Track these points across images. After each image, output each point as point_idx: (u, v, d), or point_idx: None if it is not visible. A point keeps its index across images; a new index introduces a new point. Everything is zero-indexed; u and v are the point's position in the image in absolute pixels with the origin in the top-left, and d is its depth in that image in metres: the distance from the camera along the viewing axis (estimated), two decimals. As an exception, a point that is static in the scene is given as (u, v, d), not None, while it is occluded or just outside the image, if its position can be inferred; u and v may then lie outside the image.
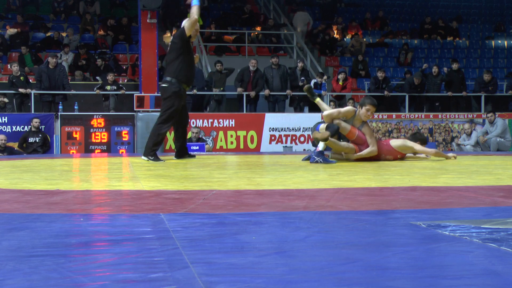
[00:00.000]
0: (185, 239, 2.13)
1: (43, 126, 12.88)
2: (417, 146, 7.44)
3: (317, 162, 6.80)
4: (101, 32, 18.00)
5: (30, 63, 16.09)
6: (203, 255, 1.86)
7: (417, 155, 7.69)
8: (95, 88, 14.09)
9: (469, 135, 13.88)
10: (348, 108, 7.38)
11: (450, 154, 7.78)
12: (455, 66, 15.55)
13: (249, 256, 1.86)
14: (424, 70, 16.13)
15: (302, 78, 14.61)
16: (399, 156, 7.46)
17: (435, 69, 15.48)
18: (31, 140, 12.52)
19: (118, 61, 17.06)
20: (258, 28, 18.85)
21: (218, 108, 14.31)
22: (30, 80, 14.15)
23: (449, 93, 15.23)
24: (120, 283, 1.55)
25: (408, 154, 7.62)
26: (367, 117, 7.24)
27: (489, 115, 13.64)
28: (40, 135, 12.58)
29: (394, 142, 7.46)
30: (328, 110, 7.37)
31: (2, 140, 12.05)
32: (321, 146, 6.97)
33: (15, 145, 12.62)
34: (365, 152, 7.18)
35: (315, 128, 7.39)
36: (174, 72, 7.54)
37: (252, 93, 14.14)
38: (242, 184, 4.34)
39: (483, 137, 13.46)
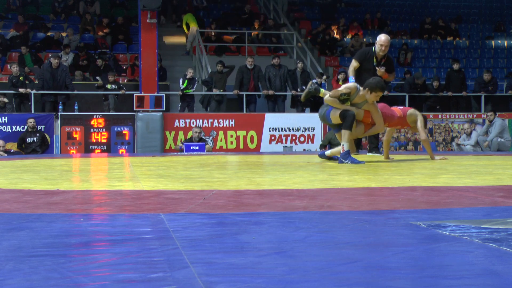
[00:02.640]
0: (185, 239, 2.13)
1: (42, 126, 12.87)
2: (420, 123, 7.47)
3: (344, 163, 6.69)
4: (100, 33, 18.00)
5: (30, 63, 16.08)
6: (203, 255, 1.86)
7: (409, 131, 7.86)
8: (96, 85, 14.10)
9: (469, 135, 13.87)
10: (349, 85, 7.16)
11: (437, 157, 7.68)
12: (456, 66, 15.54)
13: (249, 256, 1.86)
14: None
15: (303, 87, 14.67)
16: (406, 127, 7.63)
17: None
18: (29, 140, 12.51)
19: (118, 61, 17.06)
20: (256, 25, 18.83)
21: (218, 108, 14.32)
22: (33, 80, 14.12)
23: (449, 93, 15.23)
24: (120, 283, 1.55)
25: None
26: (373, 101, 7.07)
27: (489, 114, 13.65)
28: (37, 135, 12.56)
29: (409, 112, 7.50)
30: (328, 94, 7.17)
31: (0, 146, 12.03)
32: (345, 146, 6.85)
33: (14, 145, 12.61)
34: (371, 130, 7.31)
35: (325, 114, 7.19)
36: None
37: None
38: (242, 184, 4.34)
39: (485, 140, 13.45)
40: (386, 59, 8.36)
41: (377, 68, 8.20)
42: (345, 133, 6.93)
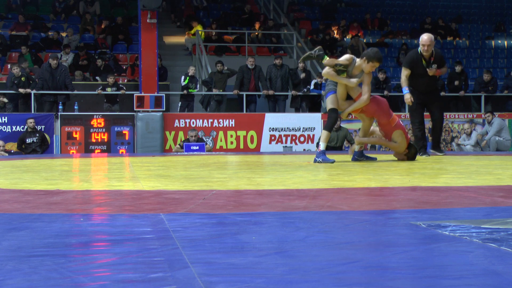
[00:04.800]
0: (185, 239, 2.13)
1: (42, 126, 12.87)
2: (399, 148, 7.29)
3: (319, 162, 6.84)
4: (102, 33, 18.00)
5: (30, 63, 16.08)
6: (203, 255, 1.86)
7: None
8: (97, 90, 14.11)
9: (469, 135, 13.87)
10: (346, 56, 7.14)
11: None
12: (458, 68, 15.55)
13: (249, 256, 1.86)
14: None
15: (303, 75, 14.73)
16: (386, 135, 7.36)
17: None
18: (28, 140, 12.50)
19: (118, 61, 17.06)
20: (256, 25, 18.83)
21: (218, 108, 14.33)
22: (36, 80, 14.10)
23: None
24: (120, 283, 1.55)
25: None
26: (369, 71, 7.04)
27: (486, 115, 13.67)
28: (37, 135, 12.56)
29: (396, 134, 7.24)
30: (327, 68, 7.12)
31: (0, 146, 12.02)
32: (322, 146, 7.00)
33: (14, 145, 12.61)
34: (355, 104, 7.04)
35: (326, 95, 7.25)
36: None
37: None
38: (242, 184, 4.33)
39: (482, 139, 13.46)
40: (434, 56, 8.13)
41: (428, 69, 7.99)
42: (323, 133, 7.12)
